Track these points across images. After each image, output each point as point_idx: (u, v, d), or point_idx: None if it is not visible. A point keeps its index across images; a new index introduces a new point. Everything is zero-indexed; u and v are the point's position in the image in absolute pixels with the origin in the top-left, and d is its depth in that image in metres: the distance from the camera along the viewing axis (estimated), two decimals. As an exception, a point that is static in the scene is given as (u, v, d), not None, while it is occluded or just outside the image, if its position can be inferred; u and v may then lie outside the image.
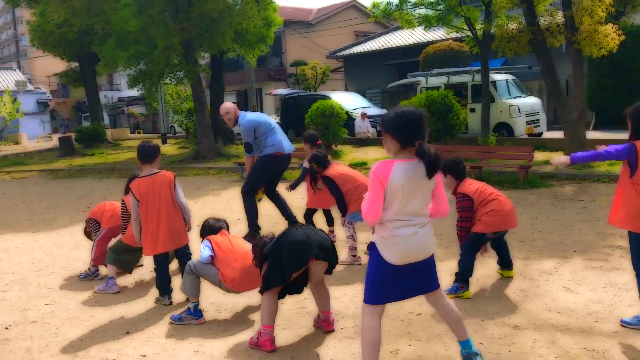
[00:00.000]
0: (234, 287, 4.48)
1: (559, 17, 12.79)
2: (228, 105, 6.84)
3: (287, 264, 3.84)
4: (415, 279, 3.28)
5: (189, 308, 4.59)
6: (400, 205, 3.14)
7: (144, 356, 3.99)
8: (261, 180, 6.82)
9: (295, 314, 4.65)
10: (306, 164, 6.44)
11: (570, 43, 12.07)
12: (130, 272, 5.78)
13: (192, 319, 4.54)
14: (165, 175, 4.91)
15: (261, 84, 34.27)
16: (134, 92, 34.84)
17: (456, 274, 4.92)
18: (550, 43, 12.70)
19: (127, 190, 5.26)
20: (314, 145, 6.63)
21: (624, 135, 13.37)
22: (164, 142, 25.20)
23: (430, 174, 3.09)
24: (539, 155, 13.47)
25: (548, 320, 4.27)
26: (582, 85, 12.45)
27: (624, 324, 4.09)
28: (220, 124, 19.39)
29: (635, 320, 4.08)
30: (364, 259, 5.87)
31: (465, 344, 3.45)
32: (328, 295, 4.22)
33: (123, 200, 5.66)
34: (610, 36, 12.03)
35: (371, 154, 15.19)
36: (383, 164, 3.14)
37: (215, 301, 5.02)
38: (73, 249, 7.40)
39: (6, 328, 4.65)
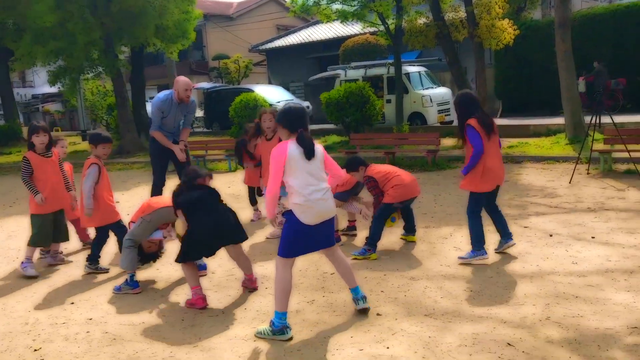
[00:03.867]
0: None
1: (462, 12, 13.91)
2: (188, 80, 7.17)
3: (199, 250, 4.54)
4: (320, 236, 3.99)
5: (126, 280, 5.08)
6: (305, 172, 3.85)
7: (90, 319, 4.47)
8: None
9: (225, 279, 5.25)
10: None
11: (471, 37, 13.19)
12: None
13: (129, 289, 5.04)
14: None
15: (183, 78, 34.12)
16: (49, 89, 33.86)
17: (366, 238, 5.70)
18: (455, 37, 13.81)
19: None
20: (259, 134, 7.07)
21: (527, 121, 14.85)
22: (84, 138, 24.82)
23: (307, 156, 3.88)
24: (449, 141, 14.62)
25: (439, 272, 5.09)
26: (484, 75, 13.64)
27: (460, 259, 5.28)
28: (144, 119, 19.47)
29: (467, 255, 5.28)
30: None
31: (354, 291, 4.23)
32: (248, 260, 4.90)
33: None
34: (507, 30, 13.26)
35: (294, 144, 15.88)
36: (280, 144, 3.94)
37: (151, 275, 5.53)
38: (7, 239, 7.64)
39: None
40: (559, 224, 6.49)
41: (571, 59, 12.37)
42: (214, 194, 4.67)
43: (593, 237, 5.85)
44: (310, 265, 5.49)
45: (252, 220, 7.60)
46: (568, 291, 4.43)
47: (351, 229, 6.64)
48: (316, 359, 3.59)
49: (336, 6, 16.10)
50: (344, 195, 6.11)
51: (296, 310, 4.39)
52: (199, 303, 4.51)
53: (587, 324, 3.84)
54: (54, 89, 30.29)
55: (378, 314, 4.22)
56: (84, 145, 21.86)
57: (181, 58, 27.56)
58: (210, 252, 4.62)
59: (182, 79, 6.96)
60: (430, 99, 17.65)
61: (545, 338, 3.67)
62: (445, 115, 18.15)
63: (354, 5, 15.64)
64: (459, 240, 6.11)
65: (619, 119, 12.39)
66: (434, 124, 17.59)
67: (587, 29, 18.74)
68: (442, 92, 18.42)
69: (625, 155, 9.26)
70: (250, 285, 4.90)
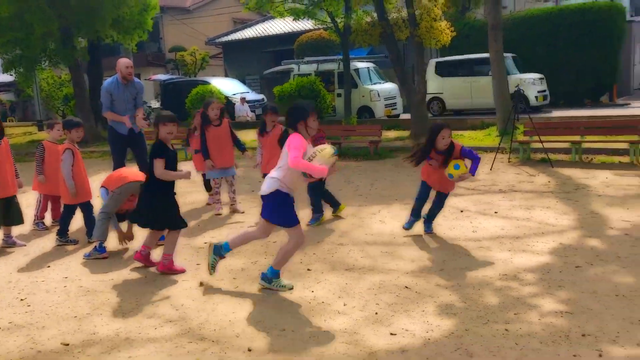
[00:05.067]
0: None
1: (405, 13, 14.95)
2: (128, 59, 7.83)
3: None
4: None
5: (95, 247, 5.88)
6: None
7: (66, 277, 5.27)
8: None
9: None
10: None
11: (412, 37, 14.25)
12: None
13: (98, 255, 5.84)
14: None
15: (140, 69, 34.31)
16: (1, 78, 33.47)
17: (313, 209, 6.77)
18: (398, 36, 14.83)
19: None
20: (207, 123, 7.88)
21: (477, 115, 15.77)
22: (40, 128, 24.98)
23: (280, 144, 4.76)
24: (394, 133, 15.74)
25: (363, 239, 6.08)
26: (424, 72, 14.73)
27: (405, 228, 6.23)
28: (100, 109, 19.87)
29: (406, 224, 6.23)
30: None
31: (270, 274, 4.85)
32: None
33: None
34: (445, 31, 14.36)
35: (250, 136, 16.66)
36: (297, 135, 4.57)
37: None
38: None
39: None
40: (471, 202, 7.57)
41: (502, 58, 13.57)
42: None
43: (496, 212, 6.95)
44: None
45: (207, 204, 8.38)
46: (462, 251, 5.48)
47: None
48: (253, 299, 4.50)
49: (289, 4, 16.96)
50: None
51: (241, 268, 5.29)
52: (178, 269, 5.32)
53: (470, 273, 4.87)
54: (7, 78, 30.07)
55: (308, 269, 5.16)
56: (42, 135, 22.13)
57: (138, 50, 27.89)
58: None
59: (122, 59, 7.74)
60: (378, 94, 18.73)
61: (435, 283, 4.68)
62: (392, 109, 19.26)
63: (306, 4, 16.52)
64: (385, 215, 7.12)
65: (555, 113, 13.67)
66: (382, 117, 18.66)
67: (523, 29, 20.17)
68: (389, 87, 19.50)
69: (546, 145, 10.51)
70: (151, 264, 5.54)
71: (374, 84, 19.22)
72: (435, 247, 5.69)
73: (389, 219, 6.93)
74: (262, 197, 4.66)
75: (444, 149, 5.77)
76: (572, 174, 9.16)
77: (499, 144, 10.68)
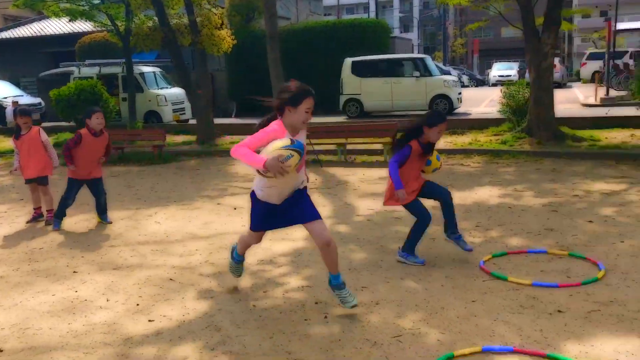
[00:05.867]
0: None
1: (187, 20, 15.22)
2: None
3: None
4: None
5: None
6: None
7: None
8: None
9: None
10: None
11: (195, 43, 14.58)
12: None
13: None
14: None
15: None
16: None
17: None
18: (181, 42, 15.05)
19: None
20: None
21: (257, 121, 16.60)
22: None
23: None
24: (182, 138, 15.91)
25: (136, 240, 6.26)
26: (207, 77, 15.16)
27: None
28: None
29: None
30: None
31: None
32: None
33: None
34: (226, 39, 14.95)
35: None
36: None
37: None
38: None
39: None
40: (245, 201, 8.07)
41: (279, 66, 14.51)
42: None
43: (265, 208, 7.58)
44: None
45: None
46: (228, 243, 5.96)
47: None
48: (12, 304, 4.46)
49: (64, 4, 16.15)
50: None
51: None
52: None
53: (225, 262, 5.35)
54: None
55: (75, 272, 5.21)
56: None
57: None
58: None
59: None
60: (165, 99, 18.69)
61: (199, 273, 5.08)
62: (181, 114, 19.35)
63: (83, 5, 15.89)
64: (162, 216, 7.35)
65: (325, 119, 14.91)
66: (170, 122, 18.66)
67: (302, 40, 21.69)
68: (176, 92, 19.55)
69: (316, 147, 11.60)
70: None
71: (161, 88, 19.14)
72: (204, 243, 6.09)
73: (165, 219, 7.17)
74: None
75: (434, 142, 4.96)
76: (337, 172, 10.28)
77: (275, 146, 11.49)
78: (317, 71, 20.86)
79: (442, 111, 17.15)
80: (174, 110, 19.03)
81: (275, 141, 3.66)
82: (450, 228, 5.09)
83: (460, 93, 18.23)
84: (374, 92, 18.37)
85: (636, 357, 3.29)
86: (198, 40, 14.35)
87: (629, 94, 19.58)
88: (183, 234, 6.45)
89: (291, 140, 3.67)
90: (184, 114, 19.54)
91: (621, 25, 37.45)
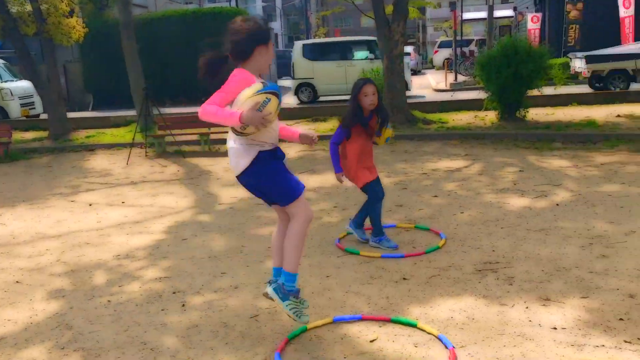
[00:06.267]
0: None
1: (30, 7, 14.14)
2: None
3: None
4: None
5: None
6: None
7: None
8: None
9: None
10: None
11: (40, 33, 13.60)
12: None
13: None
14: None
15: None
16: None
17: None
18: (24, 31, 13.96)
19: None
20: None
21: (120, 112, 16.07)
22: None
23: None
24: (32, 134, 14.84)
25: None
26: (56, 69, 14.23)
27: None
28: None
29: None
30: None
31: None
32: None
33: None
34: (76, 28, 14.11)
35: None
36: None
37: None
38: None
39: None
40: (102, 196, 7.82)
41: (137, 56, 13.97)
42: None
43: (123, 202, 7.35)
44: None
45: None
46: (83, 241, 5.71)
47: None
48: None
49: None
50: None
51: None
52: None
53: (85, 259, 5.15)
54: None
55: None
56: None
57: None
58: None
59: None
60: (11, 92, 17.28)
61: (50, 273, 4.84)
62: (30, 109, 18.00)
63: None
64: (8, 217, 6.85)
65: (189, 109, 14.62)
66: (19, 117, 17.31)
67: (161, 28, 21.06)
68: (24, 85, 18.11)
69: (179, 138, 11.38)
70: None
71: (6, 81, 17.65)
72: (56, 243, 5.78)
73: (12, 220, 6.70)
74: (238, 178, 3.37)
75: (372, 108, 4.74)
76: (200, 163, 10.18)
77: (133, 139, 11.13)
78: (177, 61, 20.37)
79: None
80: (23, 105, 17.64)
81: (245, 90, 3.10)
82: (358, 222, 5.17)
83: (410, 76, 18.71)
84: (328, 75, 18.20)
85: (467, 312, 3.67)
86: (44, 29, 13.40)
87: (473, 79, 21.27)
88: (32, 235, 6.07)
89: (262, 83, 3.13)
90: (34, 108, 18.19)
91: (467, 15, 40.58)
